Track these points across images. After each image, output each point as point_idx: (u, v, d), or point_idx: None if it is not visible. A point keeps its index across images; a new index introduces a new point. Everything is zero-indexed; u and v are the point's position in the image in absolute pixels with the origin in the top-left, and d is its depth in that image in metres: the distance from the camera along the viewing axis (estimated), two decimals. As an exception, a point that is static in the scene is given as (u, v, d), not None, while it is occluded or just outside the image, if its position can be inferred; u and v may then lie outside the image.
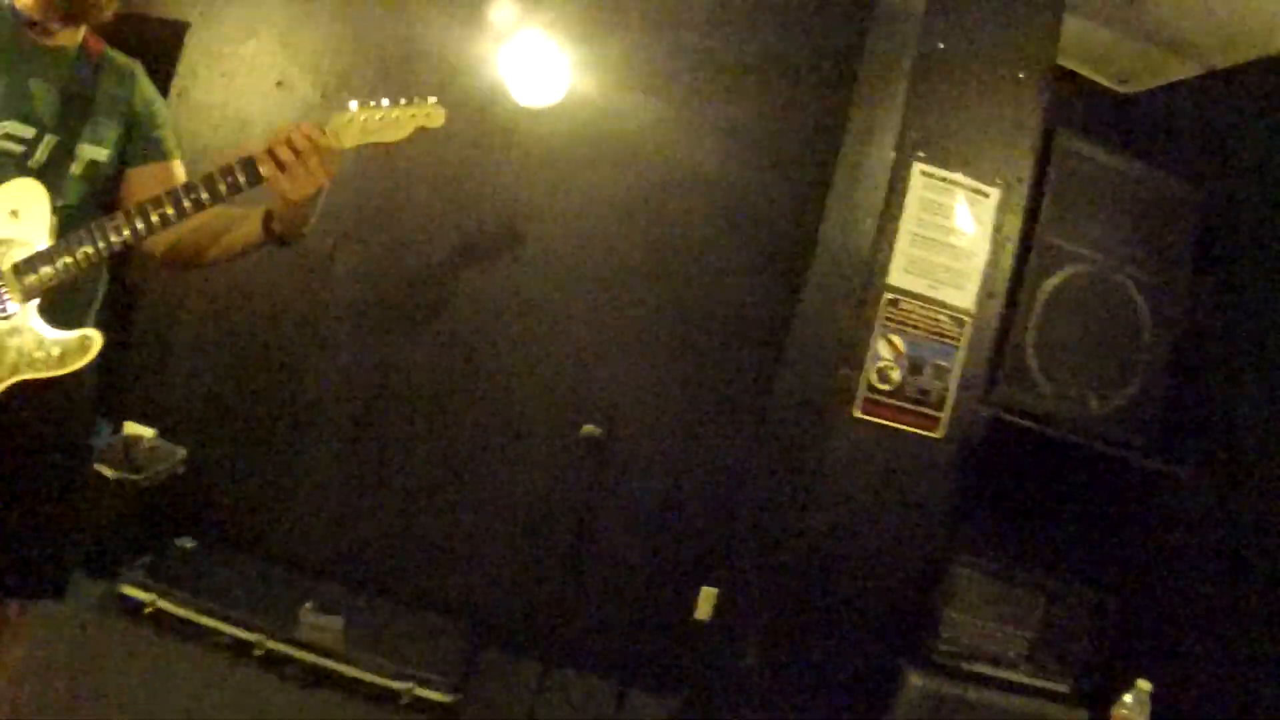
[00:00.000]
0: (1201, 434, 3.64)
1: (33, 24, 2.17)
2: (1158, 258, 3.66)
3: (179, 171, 2.40)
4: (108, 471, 4.07)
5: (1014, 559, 3.69)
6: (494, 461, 4.72)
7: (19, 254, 2.07)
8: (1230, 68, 3.87)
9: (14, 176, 2.09)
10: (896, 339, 3.23)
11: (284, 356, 4.68)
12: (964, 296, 3.26)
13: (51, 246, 2.08)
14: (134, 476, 4.19)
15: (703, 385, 4.69)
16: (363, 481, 4.73)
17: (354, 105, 2.14)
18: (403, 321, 4.69)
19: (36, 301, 2.10)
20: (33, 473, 2.30)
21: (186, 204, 2.08)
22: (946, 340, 3.27)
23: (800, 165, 4.56)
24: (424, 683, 3.95)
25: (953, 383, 3.29)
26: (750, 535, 3.92)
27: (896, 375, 3.24)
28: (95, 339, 2.15)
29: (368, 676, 3.94)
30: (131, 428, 4.53)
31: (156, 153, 2.36)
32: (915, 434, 3.30)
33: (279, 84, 4.56)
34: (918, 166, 3.22)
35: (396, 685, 3.93)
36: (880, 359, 3.23)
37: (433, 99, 2.21)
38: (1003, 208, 3.28)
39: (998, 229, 3.28)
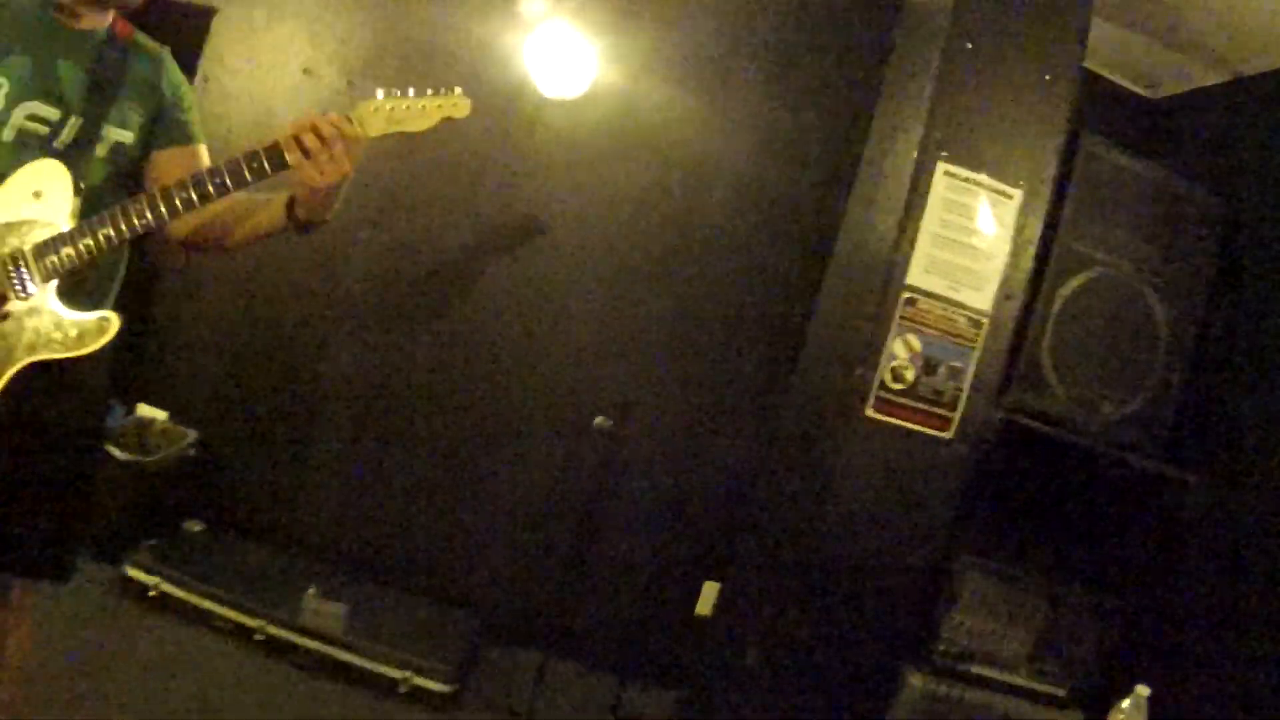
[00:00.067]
0: (1213, 442, 3.64)
1: (61, 7, 2.16)
2: (1177, 265, 3.66)
3: (204, 156, 2.39)
4: (119, 453, 4.07)
5: (1019, 561, 3.70)
6: (503, 453, 4.72)
7: (41, 235, 2.06)
8: (1256, 75, 3.87)
9: (38, 157, 2.09)
10: (912, 338, 3.22)
11: (299, 343, 4.68)
12: (982, 298, 3.25)
13: (73, 228, 2.07)
14: (145, 458, 4.18)
15: (715, 380, 4.70)
16: (372, 470, 4.73)
17: (380, 94, 2.13)
18: (419, 311, 4.69)
19: (56, 282, 2.09)
20: (45, 453, 2.29)
21: (211, 188, 2.07)
22: (962, 341, 3.26)
23: (823, 162, 4.57)
24: (423, 672, 3.95)
25: (966, 384, 3.28)
26: (756, 531, 3.92)
27: (911, 375, 3.24)
28: (113, 321, 2.15)
29: (367, 664, 3.94)
30: (144, 410, 4.53)
31: (182, 137, 2.35)
32: (927, 434, 3.30)
33: (305, 71, 4.55)
34: (941, 166, 3.21)
35: (396, 673, 3.93)
36: (895, 358, 3.23)
37: (459, 89, 2.20)
38: (1025, 210, 3.27)
39: (1019, 231, 3.27)
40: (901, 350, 3.22)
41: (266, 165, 2.09)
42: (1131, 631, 3.68)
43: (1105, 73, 4.23)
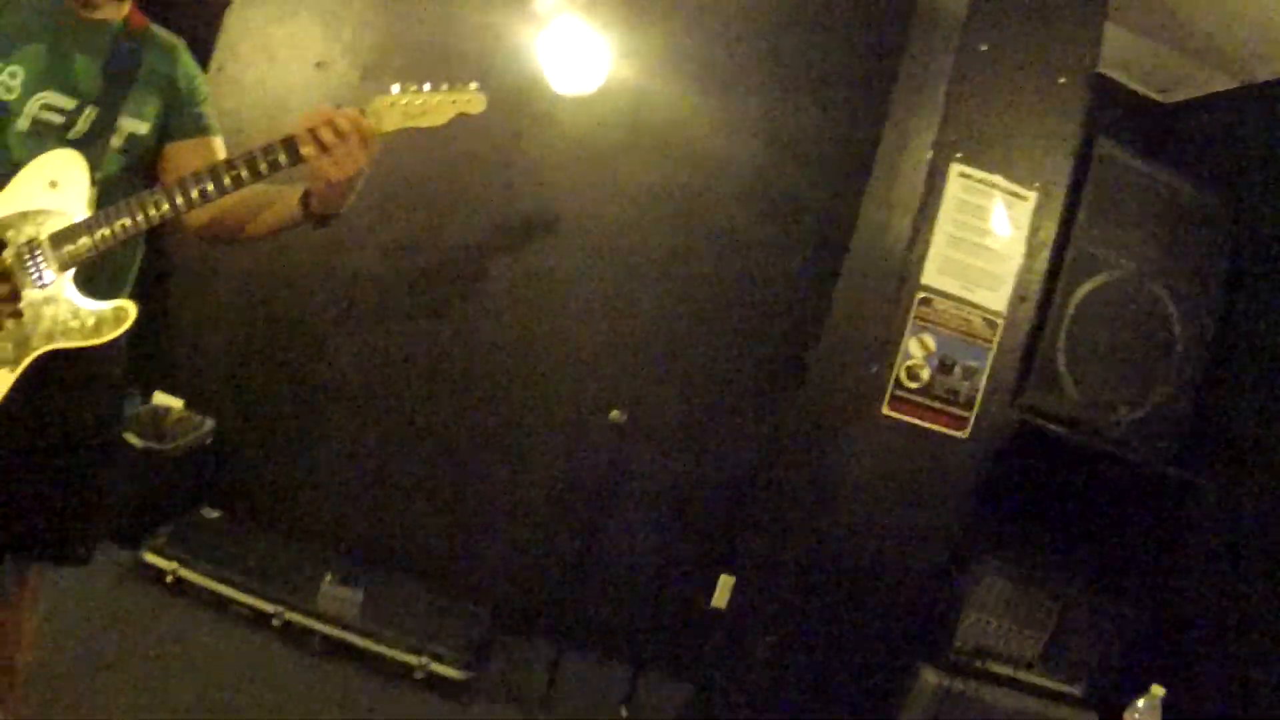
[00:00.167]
0: (1227, 446, 3.62)
1: None
2: (1191, 269, 3.65)
3: (219, 148, 2.39)
4: (136, 441, 4.10)
5: (1033, 561, 3.69)
6: (518, 444, 4.74)
7: (57, 224, 2.07)
8: (1269, 81, 3.84)
9: (54, 147, 2.10)
10: (928, 338, 3.22)
11: (314, 332, 4.69)
12: (997, 299, 3.25)
13: (90, 218, 2.08)
14: (161, 446, 4.22)
15: (727, 376, 4.70)
16: (386, 459, 4.75)
17: (395, 89, 2.12)
18: (433, 303, 4.70)
19: (73, 271, 2.10)
20: (63, 441, 2.31)
21: (226, 180, 2.08)
22: (977, 341, 3.25)
23: (835, 160, 4.55)
24: (438, 658, 3.97)
25: (981, 384, 3.28)
26: (771, 526, 3.92)
27: (926, 374, 3.24)
28: (130, 310, 2.15)
29: (383, 650, 3.96)
30: (161, 398, 4.56)
31: (197, 128, 2.36)
32: (941, 433, 3.30)
33: (318, 64, 4.55)
34: (956, 167, 3.20)
35: (411, 659, 3.95)
36: (910, 357, 3.22)
37: (473, 85, 2.19)
38: (1039, 212, 3.26)
39: (1034, 233, 3.26)
40: (917, 349, 3.22)
41: (282, 158, 2.08)
42: (1145, 632, 3.67)
43: (1118, 77, 4.21)
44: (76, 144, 2.12)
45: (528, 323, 4.67)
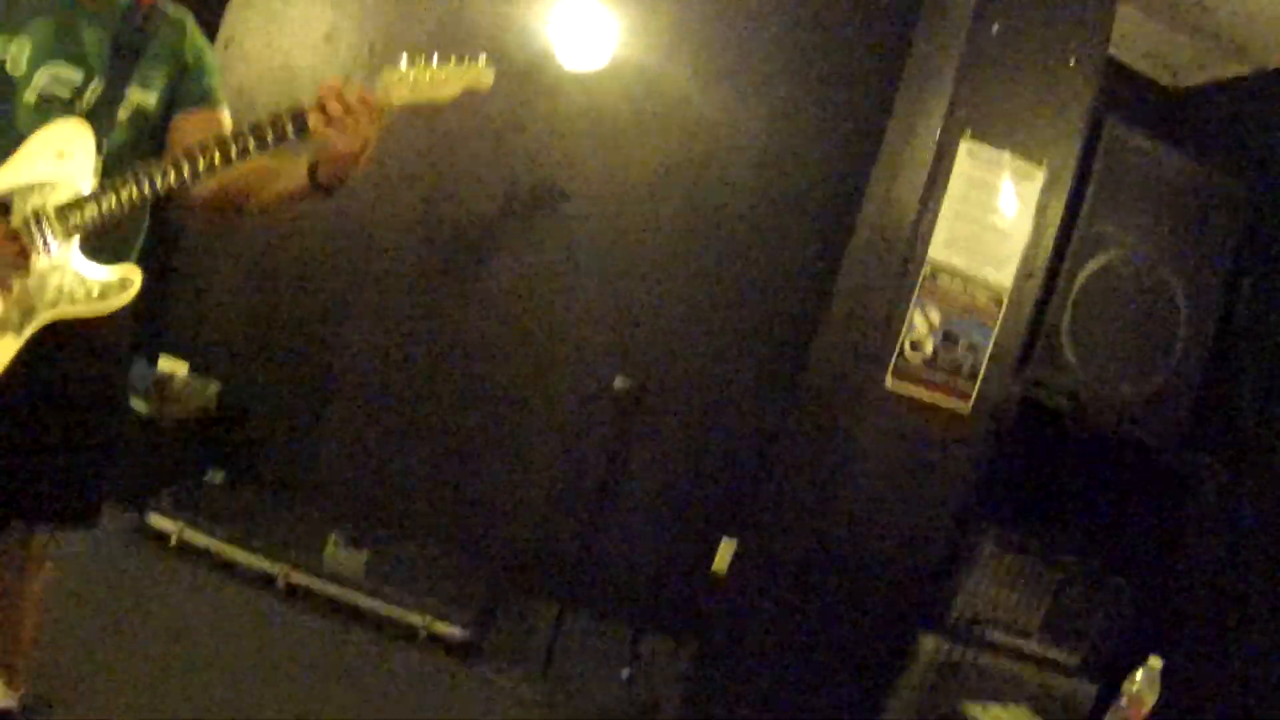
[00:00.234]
0: (1228, 427, 3.63)
1: None
2: (1198, 251, 3.64)
3: (226, 120, 2.38)
4: (141, 405, 4.11)
5: (1033, 532, 3.71)
6: (524, 409, 4.77)
7: (63, 194, 2.07)
8: (1277, 69, 3.82)
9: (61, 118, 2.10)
10: (933, 312, 3.22)
11: (319, 297, 4.71)
12: (1003, 275, 3.25)
13: (96, 188, 2.08)
14: (166, 411, 4.23)
15: (736, 347, 4.71)
16: (392, 423, 4.78)
17: (404, 62, 2.11)
18: (441, 270, 4.70)
19: (79, 240, 2.10)
20: (69, 406, 2.32)
21: (233, 152, 2.06)
22: (982, 316, 3.26)
23: (846, 136, 4.54)
24: (442, 618, 4.00)
25: (985, 358, 3.28)
26: (773, 493, 3.94)
27: (930, 348, 3.24)
28: (135, 278, 2.16)
29: (388, 610, 3.99)
30: (166, 363, 4.57)
31: (204, 100, 2.35)
32: (945, 407, 3.31)
33: (327, 37, 4.53)
34: (965, 143, 3.19)
35: (415, 619, 3.99)
36: (915, 330, 3.23)
37: (482, 60, 2.16)
38: (1047, 189, 3.26)
39: (1041, 210, 3.26)
40: (921, 322, 3.23)
41: (289, 130, 2.07)
42: (1144, 606, 3.69)
43: (1128, 60, 4.17)
44: (85, 116, 2.11)
45: (535, 291, 4.68)
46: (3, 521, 2.36)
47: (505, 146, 4.60)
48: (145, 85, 2.22)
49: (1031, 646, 3.67)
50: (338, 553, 4.07)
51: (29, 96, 2.08)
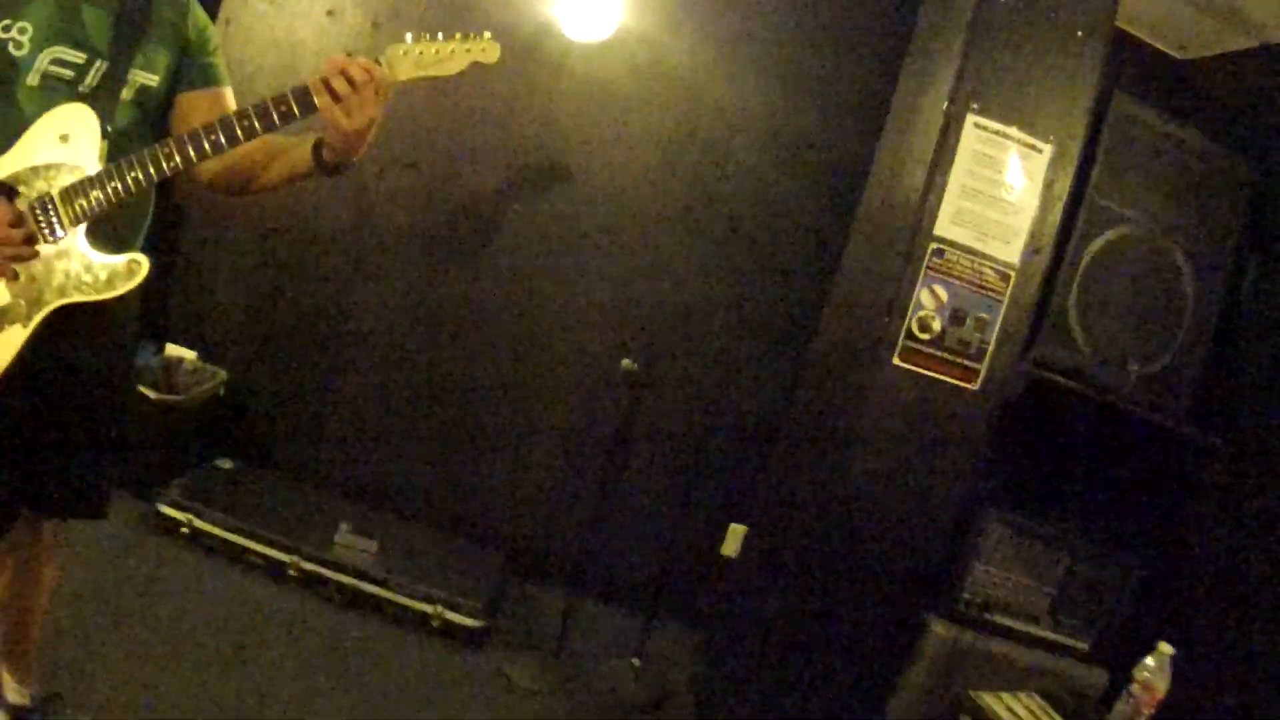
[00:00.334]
0: (1238, 405, 3.62)
1: None
2: (1206, 227, 3.63)
3: (230, 99, 2.38)
4: (149, 393, 4.11)
5: (1042, 514, 3.71)
6: (532, 392, 4.75)
7: (68, 178, 2.06)
8: (1284, 43, 3.81)
9: (64, 101, 2.08)
10: (940, 289, 3.21)
11: (327, 282, 4.69)
12: (1010, 251, 3.24)
13: (101, 171, 2.07)
14: (174, 398, 4.23)
15: (743, 325, 4.69)
16: (401, 408, 4.77)
17: (409, 38, 2.10)
18: (447, 251, 4.68)
19: (84, 226, 2.09)
20: (77, 394, 2.31)
21: (238, 131, 2.06)
22: (990, 293, 3.25)
23: (852, 109, 4.51)
24: (454, 607, 4.00)
25: (993, 336, 3.27)
26: (781, 477, 3.94)
27: (937, 325, 3.23)
28: (143, 264, 2.14)
29: (398, 599, 4.00)
30: (173, 349, 4.57)
31: (208, 79, 2.34)
32: (952, 385, 3.30)
33: (329, 13, 4.50)
34: (971, 118, 3.18)
35: (426, 608, 3.99)
36: (922, 308, 3.22)
37: (488, 34, 2.16)
38: (1054, 165, 3.24)
39: (1048, 185, 3.24)
40: (929, 300, 3.22)
41: (295, 109, 2.06)
42: (1154, 588, 3.68)
43: (1137, 32, 4.15)
44: (87, 98, 2.10)
45: (541, 271, 4.66)
46: (12, 512, 2.35)
47: (509, 122, 4.58)
48: (148, 66, 2.21)
49: (1041, 631, 3.66)
50: (348, 541, 4.07)
51: (31, 79, 2.06)
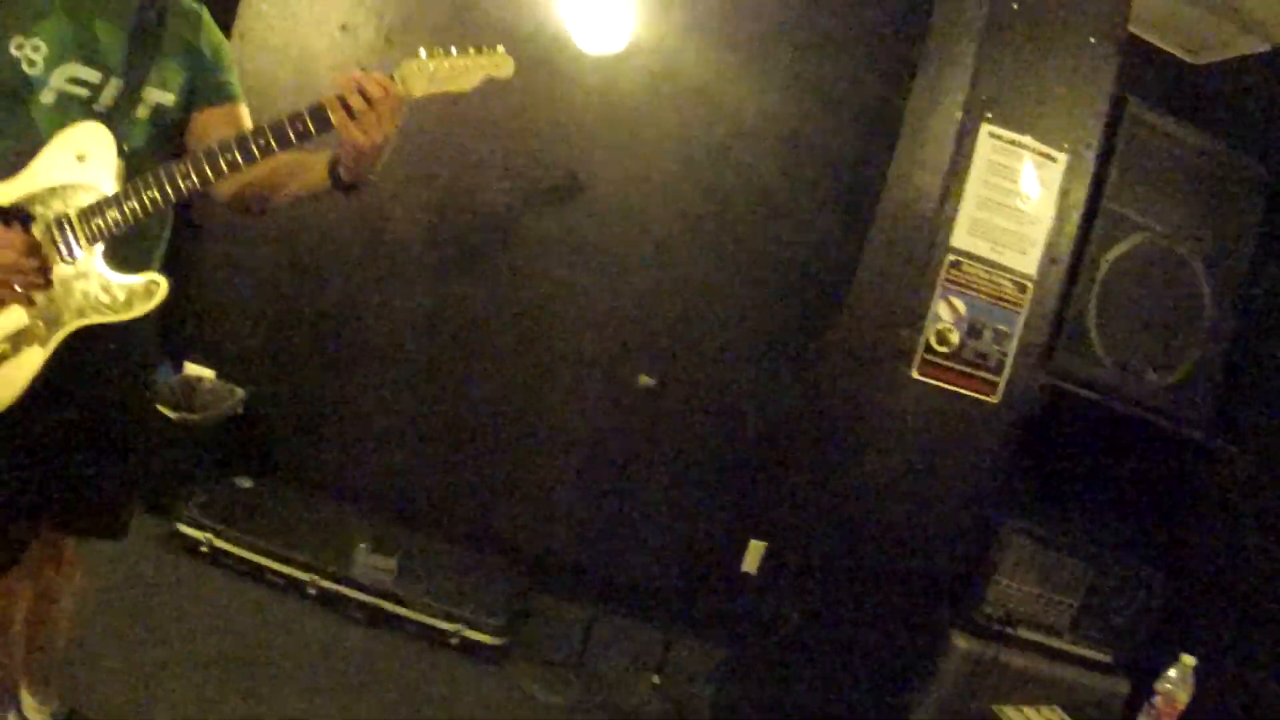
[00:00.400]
0: (1258, 413, 3.59)
1: None
2: (1222, 233, 3.62)
3: (244, 115, 2.38)
4: (168, 412, 4.12)
5: (1063, 526, 3.68)
6: (548, 407, 4.75)
7: (85, 198, 2.06)
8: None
9: (80, 120, 2.08)
10: (957, 301, 3.20)
11: (344, 300, 4.70)
12: (1027, 261, 3.22)
13: (118, 191, 2.06)
14: (193, 417, 4.24)
15: (760, 339, 4.68)
16: (419, 425, 4.77)
17: (423, 53, 2.09)
18: (462, 266, 4.69)
19: (102, 246, 2.09)
20: (97, 414, 2.31)
21: (254, 150, 2.05)
22: (1007, 305, 3.23)
23: (866, 118, 4.50)
24: (474, 625, 4.00)
25: (1011, 348, 3.26)
26: (801, 491, 3.92)
27: (955, 338, 3.22)
28: (161, 284, 2.14)
29: (419, 617, 4.00)
30: (192, 368, 4.59)
31: (222, 96, 2.34)
32: (971, 397, 3.28)
33: (343, 28, 4.51)
34: (986, 128, 3.17)
35: (446, 626, 3.99)
36: (940, 321, 3.21)
37: (501, 48, 2.15)
38: (1070, 173, 3.23)
39: (1064, 195, 3.23)
40: (946, 313, 3.20)
41: (311, 126, 2.05)
42: (1176, 599, 3.65)
43: (1149, 37, 4.14)
44: (103, 116, 2.10)
45: (558, 284, 4.66)
46: (33, 531, 2.36)
47: (522, 134, 4.58)
48: (163, 83, 2.21)
49: (1064, 644, 3.64)
50: (367, 559, 4.07)
51: (46, 98, 2.06)
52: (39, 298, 2.05)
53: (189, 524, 4.01)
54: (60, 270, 2.06)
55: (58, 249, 2.05)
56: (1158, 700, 2.86)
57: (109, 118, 2.11)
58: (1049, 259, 3.24)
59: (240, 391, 4.57)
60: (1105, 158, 3.39)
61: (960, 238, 3.18)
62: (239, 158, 2.06)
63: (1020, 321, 3.25)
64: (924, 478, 3.33)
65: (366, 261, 4.66)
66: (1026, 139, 3.19)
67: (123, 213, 2.06)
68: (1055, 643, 3.62)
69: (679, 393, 4.42)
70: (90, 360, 2.19)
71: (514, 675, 3.99)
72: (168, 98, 2.23)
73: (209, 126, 2.29)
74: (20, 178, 2.05)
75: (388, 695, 3.61)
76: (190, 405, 4.39)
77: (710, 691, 4.24)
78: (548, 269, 4.66)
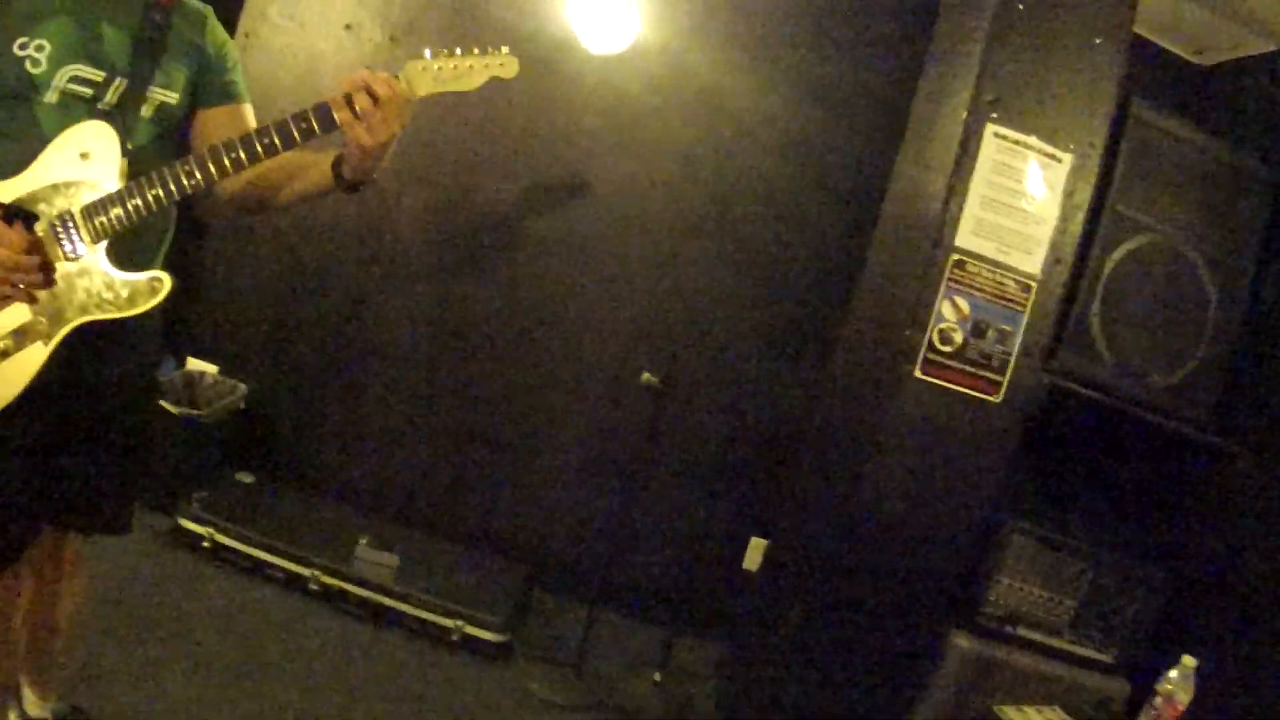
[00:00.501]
0: (1261, 413, 3.59)
1: None
2: (1227, 233, 3.61)
3: (249, 115, 2.38)
4: (170, 407, 4.12)
5: (1065, 526, 3.68)
6: (552, 405, 4.75)
7: (89, 196, 2.06)
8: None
9: (84, 119, 2.08)
10: (961, 301, 3.20)
11: (347, 297, 4.71)
12: (1031, 262, 3.22)
13: (122, 189, 2.07)
14: (196, 412, 4.24)
15: (763, 338, 4.68)
16: (421, 422, 4.77)
17: (428, 53, 2.10)
18: (466, 264, 4.69)
19: (105, 243, 2.09)
20: (100, 411, 2.31)
21: (260, 149, 2.06)
22: (1011, 305, 3.23)
23: (872, 120, 4.49)
24: (474, 621, 4.00)
25: (1015, 348, 3.25)
26: (803, 489, 3.92)
27: (959, 338, 3.21)
28: (165, 281, 2.14)
29: (419, 613, 4.00)
30: (194, 363, 4.59)
31: (227, 96, 2.35)
32: (975, 397, 3.28)
33: (347, 27, 4.51)
34: (991, 128, 3.16)
35: (447, 623, 3.99)
36: (944, 320, 3.20)
37: (505, 49, 2.16)
38: (1075, 174, 3.22)
39: (1068, 195, 3.22)
40: (950, 312, 3.20)
41: (315, 125, 2.06)
42: (1177, 599, 3.65)
43: (1154, 37, 4.13)
44: (107, 115, 2.10)
45: (561, 284, 4.66)
46: (35, 527, 2.36)
47: (527, 135, 4.58)
48: (167, 83, 2.21)
49: (1064, 644, 3.64)
50: (368, 555, 4.07)
51: (51, 97, 2.06)
52: (42, 294, 2.05)
53: (190, 519, 4.02)
54: (63, 267, 2.06)
55: (61, 246, 2.05)
56: (1158, 701, 2.86)
57: (113, 116, 2.11)
58: (1053, 259, 3.23)
59: (242, 387, 4.58)
60: (1110, 158, 3.38)
61: (964, 238, 3.18)
62: (243, 156, 2.07)
63: (1024, 321, 3.24)
64: (926, 477, 3.32)
65: (369, 260, 4.67)
66: (1031, 139, 3.18)
67: (126, 210, 2.06)
68: (1056, 643, 3.62)
69: (681, 392, 4.42)
70: (94, 357, 2.19)
71: (514, 672, 3.99)
72: (172, 97, 2.23)
73: (213, 126, 2.30)
74: (24, 175, 2.05)
75: (388, 690, 3.62)
76: (193, 401, 4.39)
77: (712, 689, 4.24)
78: (550, 268, 4.66)
